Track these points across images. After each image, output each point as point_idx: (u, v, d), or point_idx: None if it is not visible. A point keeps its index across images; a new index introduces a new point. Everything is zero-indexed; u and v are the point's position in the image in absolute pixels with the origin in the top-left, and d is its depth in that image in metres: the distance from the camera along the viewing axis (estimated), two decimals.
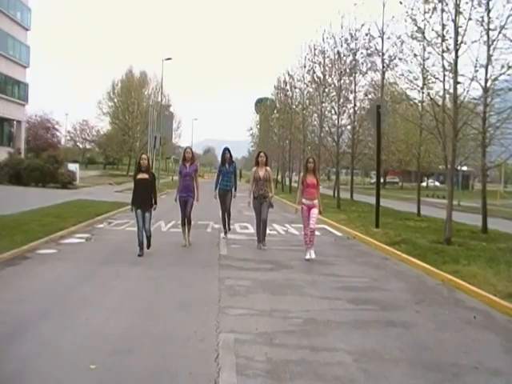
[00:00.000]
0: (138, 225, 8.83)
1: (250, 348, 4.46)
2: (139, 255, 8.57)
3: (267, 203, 9.96)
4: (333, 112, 23.11)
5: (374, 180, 59.24)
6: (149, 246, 9.04)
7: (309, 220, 9.02)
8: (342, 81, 21.75)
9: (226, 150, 11.27)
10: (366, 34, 19.32)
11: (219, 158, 11.88)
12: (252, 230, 13.07)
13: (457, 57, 10.86)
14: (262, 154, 10.29)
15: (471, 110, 11.60)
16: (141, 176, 8.83)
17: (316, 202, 9.12)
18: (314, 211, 9.09)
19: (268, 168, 10.20)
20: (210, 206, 11.10)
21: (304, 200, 9.12)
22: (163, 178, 41.07)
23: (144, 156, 9.05)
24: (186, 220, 9.94)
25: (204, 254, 9.27)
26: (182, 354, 4.29)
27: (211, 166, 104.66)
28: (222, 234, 11.34)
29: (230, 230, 11.57)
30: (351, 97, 22.13)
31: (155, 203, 8.97)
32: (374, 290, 6.98)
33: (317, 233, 13.89)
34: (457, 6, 10.80)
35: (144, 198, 8.79)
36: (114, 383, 3.76)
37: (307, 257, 8.88)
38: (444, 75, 11.54)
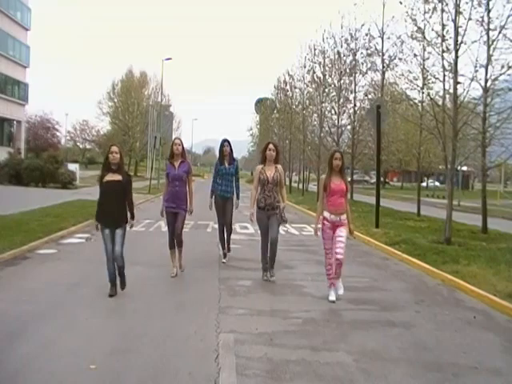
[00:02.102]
0: (106, 251, 6.12)
1: (249, 348, 4.46)
2: (110, 295, 6.08)
3: (277, 217, 7.04)
4: (333, 112, 23.16)
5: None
6: (123, 284, 6.33)
7: (335, 244, 6.17)
8: (342, 81, 21.80)
9: (225, 141, 8.36)
10: (366, 34, 19.38)
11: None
12: (252, 229, 13.06)
13: (457, 57, 10.86)
14: (271, 145, 7.14)
15: (471, 110, 11.61)
16: (111, 177, 6.06)
17: (344, 217, 6.21)
18: (342, 232, 6.13)
19: (279, 166, 7.20)
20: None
21: (326, 214, 6.19)
22: (163, 178, 41.23)
23: (114, 148, 6.14)
24: (176, 240, 7.38)
25: (204, 254, 9.27)
26: (182, 354, 4.29)
27: (211, 166, 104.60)
28: (221, 253, 8.77)
29: (229, 250, 8.76)
30: (351, 97, 22.19)
31: (132, 217, 6.25)
32: (374, 290, 6.98)
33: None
34: (457, 6, 10.81)
35: (114, 209, 6.03)
36: (113, 383, 3.76)
37: (331, 298, 6.22)
38: (444, 75, 11.55)
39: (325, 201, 6.29)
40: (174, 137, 62.86)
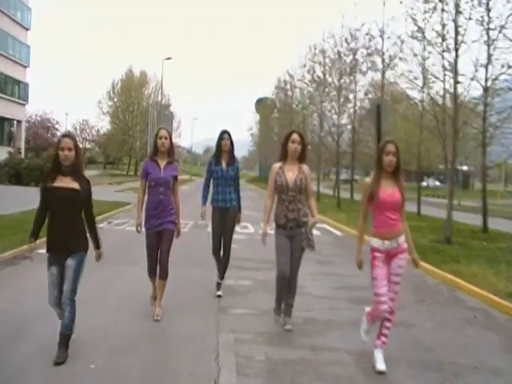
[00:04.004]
0: (49, 291, 4.32)
1: (249, 348, 4.46)
2: (56, 363, 3.93)
3: (302, 239, 4.91)
4: (333, 112, 23.19)
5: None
6: (62, 354, 3.99)
7: (388, 281, 4.08)
8: (342, 80, 21.80)
9: (225, 133, 6.17)
10: (366, 34, 19.37)
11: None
12: (252, 229, 13.04)
13: (457, 56, 10.88)
14: (295, 135, 5.00)
15: (471, 110, 11.64)
16: (61, 183, 4.04)
17: (403, 239, 4.14)
18: (400, 269, 4.12)
19: (305, 167, 5.00)
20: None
21: (376, 242, 4.08)
22: None
23: (66, 142, 4.02)
24: (160, 269, 5.29)
25: (204, 254, 9.24)
26: (182, 354, 4.29)
27: None
28: (216, 289, 6.34)
29: (222, 279, 6.36)
30: (351, 96, 22.18)
31: (98, 245, 4.37)
32: None
33: (316, 232, 13.94)
34: (457, 5, 10.83)
35: (65, 231, 4.14)
36: (113, 383, 3.76)
37: (380, 367, 4.04)
38: (444, 75, 11.57)
39: (371, 219, 4.15)
40: (174, 136, 63.08)
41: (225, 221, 6.18)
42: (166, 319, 5.26)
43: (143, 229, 5.37)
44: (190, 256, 8.68)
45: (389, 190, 4.11)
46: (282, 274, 4.87)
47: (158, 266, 5.31)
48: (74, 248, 4.16)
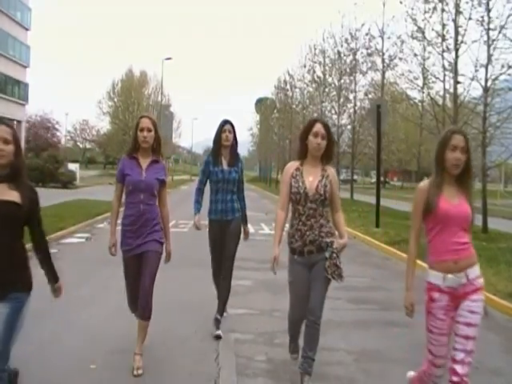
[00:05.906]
0: None
1: (250, 348, 4.47)
2: None
3: (328, 266, 3.94)
4: (333, 112, 23.24)
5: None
6: None
7: (455, 341, 2.76)
8: (342, 80, 21.86)
9: (227, 123, 4.82)
10: (366, 34, 19.43)
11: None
12: (252, 229, 13.00)
13: (457, 56, 10.91)
14: (319, 126, 3.51)
15: (471, 110, 11.65)
16: None
17: (476, 272, 2.81)
18: (473, 306, 2.75)
19: (330, 170, 3.70)
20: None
21: (435, 275, 2.83)
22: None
23: (3, 128, 2.65)
24: (140, 305, 3.96)
25: (203, 253, 9.24)
26: (182, 354, 4.29)
27: None
28: (215, 329, 4.76)
29: (224, 312, 4.98)
30: (351, 96, 22.24)
31: (54, 278, 3.17)
32: (374, 289, 6.98)
33: None
34: (457, 5, 10.86)
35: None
36: (113, 383, 3.76)
37: None
38: (444, 75, 11.63)
39: (427, 241, 2.98)
40: (173, 136, 63.06)
41: (226, 235, 4.86)
42: (165, 319, 5.26)
43: (119, 251, 4.12)
44: (189, 255, 8.67)
45: (453, 201, 2.82)
46: (296, 308, 3.90)
47: (139, 302, 3.93)
48: (9, 286, 2.75)
